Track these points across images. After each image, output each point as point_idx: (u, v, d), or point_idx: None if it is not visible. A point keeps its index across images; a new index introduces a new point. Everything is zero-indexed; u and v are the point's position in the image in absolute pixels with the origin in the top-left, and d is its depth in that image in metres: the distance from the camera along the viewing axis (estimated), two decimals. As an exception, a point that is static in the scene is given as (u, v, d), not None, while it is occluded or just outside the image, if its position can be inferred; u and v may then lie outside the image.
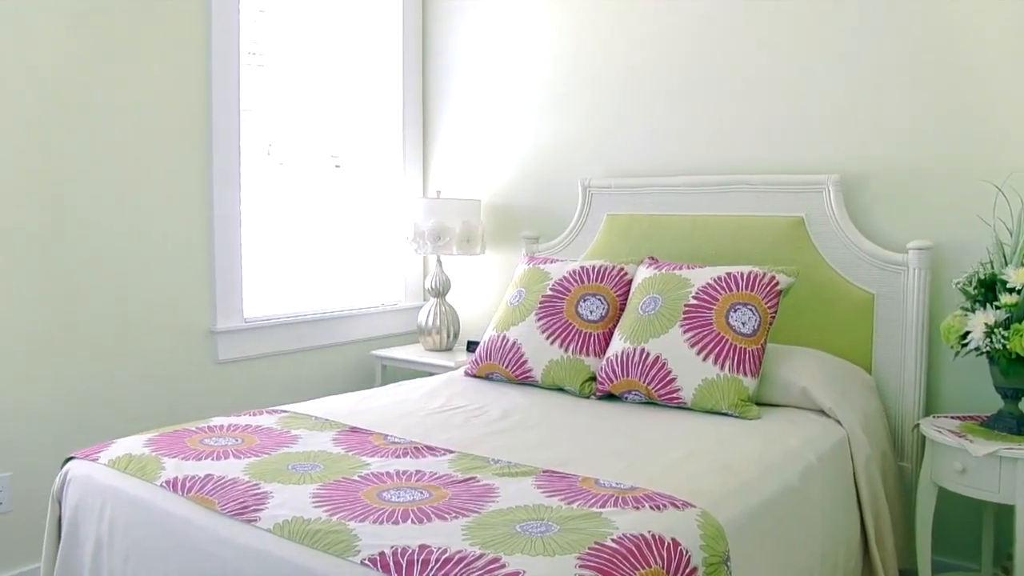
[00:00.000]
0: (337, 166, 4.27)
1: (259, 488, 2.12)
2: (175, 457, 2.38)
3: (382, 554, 1.74)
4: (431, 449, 2.46)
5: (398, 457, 2.38)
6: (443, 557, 1.70)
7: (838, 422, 2.82)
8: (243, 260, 3.82)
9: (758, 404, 2.91)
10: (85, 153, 3.30)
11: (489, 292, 4.39)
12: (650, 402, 2.98)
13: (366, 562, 1.74)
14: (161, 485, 2.24)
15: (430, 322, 4.20)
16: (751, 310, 2.93)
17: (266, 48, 3.92)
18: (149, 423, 3.43)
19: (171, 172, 3.56)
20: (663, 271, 3.18)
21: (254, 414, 2.86)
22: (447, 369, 3.88)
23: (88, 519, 2.36)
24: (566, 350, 3.18)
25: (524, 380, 3.27)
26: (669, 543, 1.83)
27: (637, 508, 1.96)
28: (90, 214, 3.32)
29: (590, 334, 3.19)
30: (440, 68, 4.53)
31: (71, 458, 2.53)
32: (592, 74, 3.97)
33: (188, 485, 2.20)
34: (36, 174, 3.18)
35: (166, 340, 3.57)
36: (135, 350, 3.47)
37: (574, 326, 3.22)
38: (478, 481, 2.17)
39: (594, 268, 3.35)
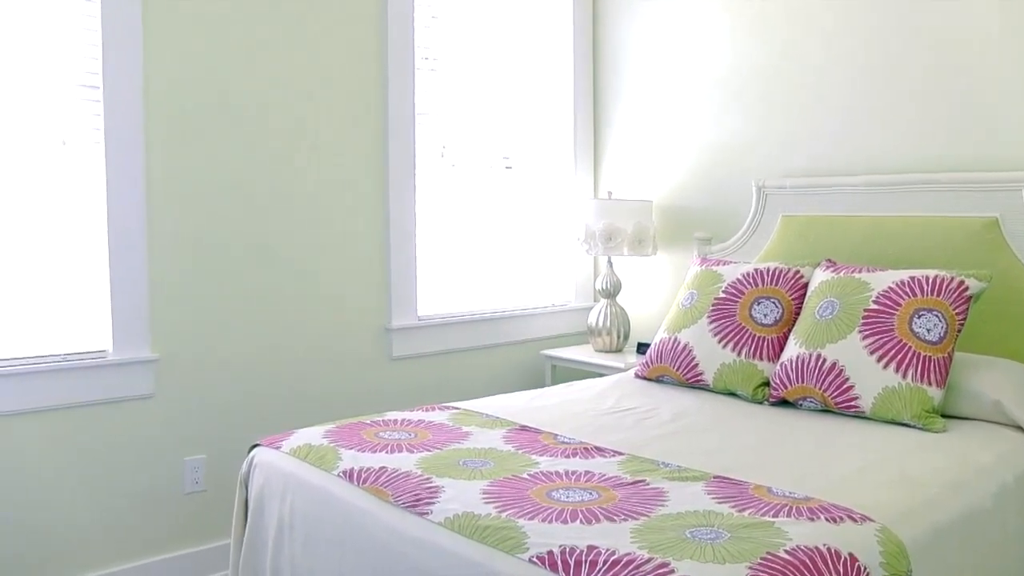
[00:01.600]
0: (508, 167, 4.33)
1: (431, 482, 2.18)
2: (351, 448, 2.47)
3: (550, 553, 1.75)
4: (600, 450, 2.45)
5: (567, 457, 2.39)
6: (611, 559, 1.69)
7: (1037, 439, 2.63)
8: (417, 260, 3.93)
9: (944, 416, 2.76)
10: (268, 160, 3.48)
11: (660, 294, 4.35)
12: (826, 410, 2.87)
13: (534, 560, 1.75)
14: (338, 475, 2.33)
15: (600, 323, 4.19)
16: (937, 316, 2.78)
17: (438, 52, 4.01)
18: (328, 415, 3.59)
19: (350, 175, 3.71)
20: (841, 274, 3.06)
21: (427, 410, 2.93)
22: (617, 370, 3.87)
23: (271, 503, 2.48)
24: (739, 354, 3.11)
25: (695, 383, 3.21)
26: (846, 558, 1.75)
27: (812, 519, 1.89)
28: (275, 218, 3.51)
29: (764, 338, 3.10)
30: (611, 68, 4.52)
31: (256, 445, 2.67)
32: (768, 71, 3.86)
33: (363, 476, 2.27)
34: (223, 182, 3.38)
35: (344, 337, 3.72)
36: (316, 346, 3.64)
37: (747, 329, 3.14)
38: (647, 484, 2.15)
39: (768, 270, 3.25)
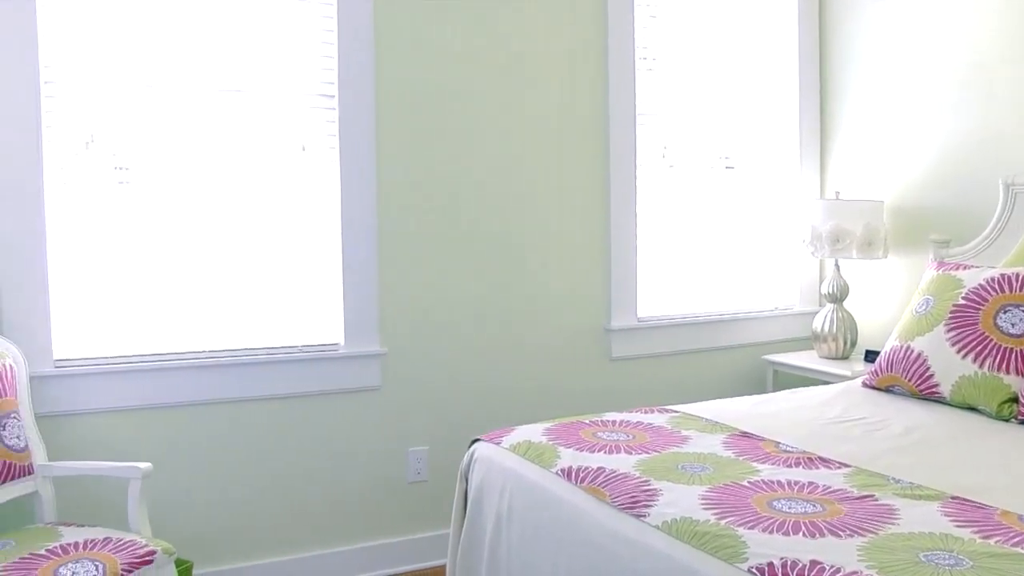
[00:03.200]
0: (729, 167, 4.23)
1: (649, 485, 2.16)
2: (570, 447, 2.49)
3: (770, 564, 1.70)
4: (825, 461, 2.35)
5: (790, 466, 2.31)
6: (837, 576, 1.62)
7: None
8: (638, 261, 3.91)
9: None
10: (492, 161, 3.58)
11: (891, 299, 4.11)
12: (1085, 430, 2.62)
13: (753, 570, 1.71)
14: (556, 473, 2.36)
15: (826, 328, 4.02)
16: None
17: (656, 52, 3.98)
18: (547, 413, 3.62)
19: (573, 176, 3.75)
20: (1105, 281, 2.78)
21: (645, 412, 2.92)
22: (842, 378, 3.69)
23: (490, 497, 2.54)
24: (981, 366, 2.89)
25: (929, 395, 3.01)
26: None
27: (1074, 555, 1.71)
28: (498, 218, 3.60)
29: (1011, 350, 2.86)
30: (840, 61, 4.32)
31: (477, 440, 2.75)
32: (1017, 59, 3.56)
33: (581, 475, 2.29)
34: (449, 184, 3.51)
35: (565, 336, 3.76)
36: (537, 344, 3.70)
37: (991, 340, 2.91)
38: (876, 499, 2.04)
39: (1018, 276, 3.00)
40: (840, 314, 4.02)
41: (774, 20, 4.30)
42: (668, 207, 4.07)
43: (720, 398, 3.54)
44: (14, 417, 2.63)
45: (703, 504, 2.02)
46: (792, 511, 1.97)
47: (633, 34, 3.85)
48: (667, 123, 4.03)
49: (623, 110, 3.84)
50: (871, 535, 1.81)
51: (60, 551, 2.36)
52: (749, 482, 2.18)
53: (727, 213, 4.24)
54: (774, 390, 4.01)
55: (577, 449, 2.47)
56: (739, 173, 4.26)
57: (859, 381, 3.33)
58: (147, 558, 2.41)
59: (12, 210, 2.84)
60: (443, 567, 3.02)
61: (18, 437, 2.62)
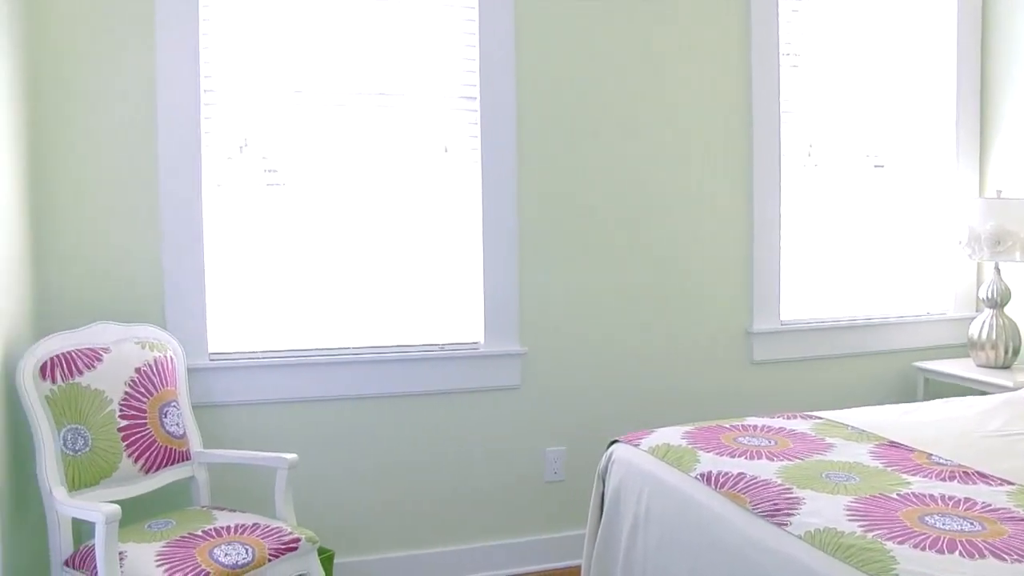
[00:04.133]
0: (878, 165, 4.06)
1: (791, 492, 2.10)
2: (710, 451, 2.45)
3: (923, 582, 1.62)
4: (984, 476, 2.22)
5: (943, 480, 2.20)
6: (998, 600, 1.53)
7: None
8: (781, 263, 3.81)
9: None
10: (633, 161, 3.55)
11: (1058, 305, 3.87)
12: None
13: (904, 588, 1.63)
14: (695, 477, 2.32)
15: (984, 335, 3.81)
16: None
17: (800, 47, 3.86)
18: (686, 416, 3.57)
19: (715, 175, 3.68)
20: None
21: (788, 417, 2.84)
22: (1002, 389, 3.49)
23: (627, 500, 2.52)
24: None
25: (1102, 409, 2.82)
26: None
27: None
28: (639, 218, 3.57)
29: None
30: (1005, 54, 4.08)
31: (615, 441, 2.73)
32: None
33: (721, 480, 2.24)
34: (590, 184, 3.50)
35: (705, 338, 3.70)
36: (676, 345, 3.65)
37: None
38: (1045, 522, 1.91)
39: None
40: (1000, 320, 3.81)
41: (927, 11, 4.10)
42: (814, 206, 3.94)
43: (867, 406, 3.41)
44: (174, 406, 2.77)
45: (848, 515, 1.95)
46: (947, 528, 1.87)
47: (777, 29, 3.74)
48: (812, 120, 3.90)
49: (767, 107, 3.74)
50: (1040, 560, 1.71)
51: (214, 533, 2.48)
52: (898, 495, 2.09)
53: (876, 213, 4.07)
54: (925, 399, 3.83)
55: (717, 453, 2.43)
56: (889, 171, 4.09)
57: (1022, 392, 3.14)
58: (292, 545, 2.50)
59: (176, 213, 3.00)
60: (578, 567, 3.02)
61: (177, 424, 2.77)
